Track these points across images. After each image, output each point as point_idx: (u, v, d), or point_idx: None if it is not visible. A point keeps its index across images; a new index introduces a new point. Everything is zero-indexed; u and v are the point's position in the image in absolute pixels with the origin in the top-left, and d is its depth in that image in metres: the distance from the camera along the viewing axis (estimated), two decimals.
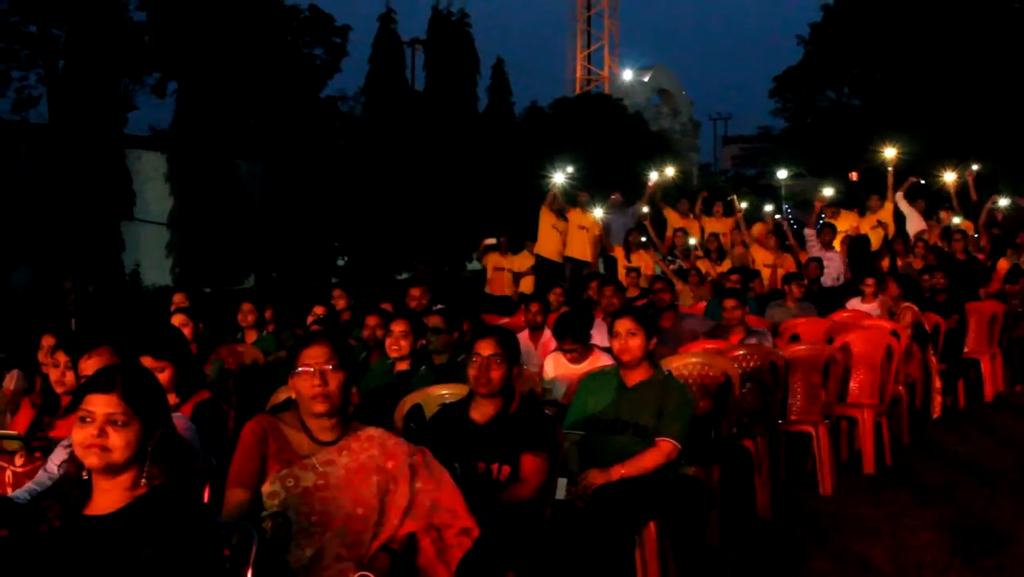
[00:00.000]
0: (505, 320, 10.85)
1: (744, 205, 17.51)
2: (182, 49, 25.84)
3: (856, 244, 15.23)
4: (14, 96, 27.06)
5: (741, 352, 7.40)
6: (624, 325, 5.48)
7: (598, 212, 16.46)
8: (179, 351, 5.23)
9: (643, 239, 15.51)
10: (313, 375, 3.73)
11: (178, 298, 10.18)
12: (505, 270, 16.26)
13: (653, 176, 17.71)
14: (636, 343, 5.44)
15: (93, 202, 22.94)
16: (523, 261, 16.36)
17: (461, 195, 29.41)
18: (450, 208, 29.02)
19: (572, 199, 16.55)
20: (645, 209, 17.00)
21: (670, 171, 18.04)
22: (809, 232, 15.47)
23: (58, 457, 4.17)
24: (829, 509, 7.23)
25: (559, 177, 16.14)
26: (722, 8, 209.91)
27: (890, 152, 17.56)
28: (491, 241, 16.40)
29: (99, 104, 23.61)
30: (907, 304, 10.76)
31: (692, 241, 16.42)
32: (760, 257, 14.60)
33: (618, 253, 15.64)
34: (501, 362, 4.73)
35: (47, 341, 6.46)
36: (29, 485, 4.21)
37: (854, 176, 22.50)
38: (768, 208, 22.64)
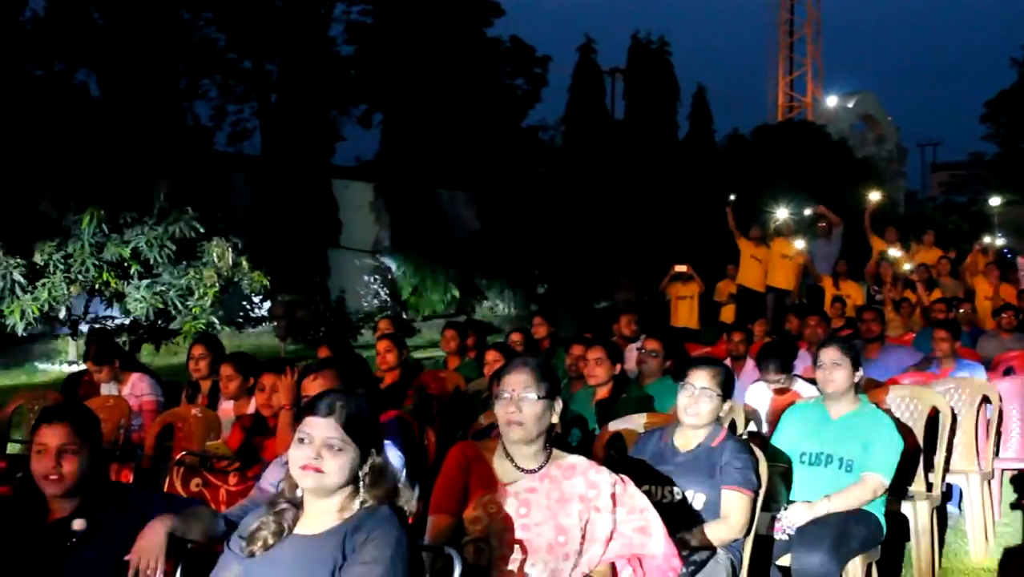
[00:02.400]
0: (706, 349, 10.74)
1: None
2: (388, 81, 26.54)
3: None
4: (230, 129, 28.35)
5: (952, 385, 7.14)
6: (829, 355, 5.37)
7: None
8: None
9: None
10: (509, 402, 3.74)
11: (383, 324, 10.44)
12: (687, 298, 16.03)
13: (875, 196, 17.21)
14: (841, 374, 5.32)
15: (302, 230, 23.72)
16: (694, 288, 16.05)
17: (661, 223, 29.32)
18: (650, 236, 28.95)
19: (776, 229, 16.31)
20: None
21: (875, 195, 17.52)
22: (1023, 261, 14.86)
23: (271, 475, 4.31)
24: None
25: (782, 212, 15.84)
26: (929, 32, 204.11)
27: None
28: (681, 268, 16.07)
29: (309, 136, 24.43)
30: None
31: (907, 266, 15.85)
32: (981, 289, 14.08)
33: (826, 283, 15.32)
34: (713, 396, 4.68)
35: (225, 370, 6.84)
36: (243, 503, 4.34)
37: None
38: (987, 239, 21.70)
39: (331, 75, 25.71)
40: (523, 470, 3.76)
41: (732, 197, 16.29)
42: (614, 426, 5.77)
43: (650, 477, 4.56)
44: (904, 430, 5.97)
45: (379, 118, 28.45)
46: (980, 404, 7.00)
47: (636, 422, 5.72)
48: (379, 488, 3.16)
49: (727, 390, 4.75)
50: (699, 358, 5.22)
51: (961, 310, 11.84)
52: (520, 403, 3.72)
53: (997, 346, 10.27)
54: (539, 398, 3.74)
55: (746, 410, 7.06)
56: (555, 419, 3.79)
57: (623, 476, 3.80)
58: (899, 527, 5.62)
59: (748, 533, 4.55)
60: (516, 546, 3.63)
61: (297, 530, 3.16)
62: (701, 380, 4.69)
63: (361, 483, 3.15)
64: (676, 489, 4.61)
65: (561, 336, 10.49)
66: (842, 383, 5.33)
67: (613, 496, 3.70)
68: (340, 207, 25.52)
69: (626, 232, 28.95)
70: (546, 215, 28.44)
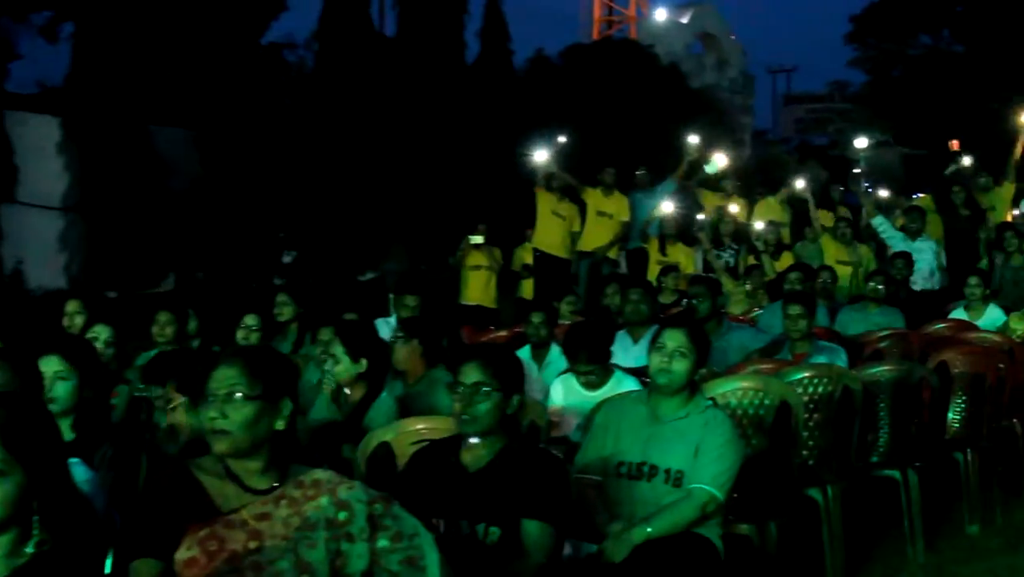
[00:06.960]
0: (503, 333, 10.79)
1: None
2: None
3: (957, 235, 15.00)
4: None
5: (807, 374, 7.29)
6: (675, 340, 5.40)
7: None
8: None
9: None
10: (212, 405, 3.66)
11: (71, 307, 10.08)
12: (482, 269, 16.08)
13: (693, 140, 17.15)
14: (683, 366, 5.37)
15: None
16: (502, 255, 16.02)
17: (445, 170, 29.37)
18: (430, 187, 28.98)
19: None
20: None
21: (694, 138, 17.56)
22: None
23: None
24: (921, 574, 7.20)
25: (541, 155, 15.70)
26: None
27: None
28: (478, 239, 15.83)
29: None
30: None
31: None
32: (832, 252, 14.32)
33: (650, 247, 15.43)
34: (491, 392, 4.70)
35: None
36: None
37: (955, 145, 22.31)
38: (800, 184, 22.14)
39: None
40: (252, 492, 3.69)
41: (562, 139, 16.21)
42: (380, 434, 5.75)
43: (433, 504, 4.57)
44: (747, 432, 6.13)
45: (69, 29, 27.74)
46: (841, 398, 7.20)
47: (410, 429, 5.71)
48: (60, 523, 3.04)
49: (508, 382, 4.79)
50: (463, 347, 5.23)
51: (819, 280, 11.93)
52: (224, 406, 3.65)
53: (862, 323, 10.56)
54: (249, 398, 3.66)
55: (550, 408, 7.13)
56: (281, 424, 3.70)
57: (385, 494, 3.77)
58: (742, 552, 5.74)
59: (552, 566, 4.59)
60: None
61: None
62: (469, 376, 4.73)
63: (35, 518, 3.01)
64: (461, 519, 4.63)
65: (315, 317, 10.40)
66: (680, 378, 5.38)
67: (371, 519, 3.66)
68: (16, 149, 24.79)
69: (399, 182, 28.92)
70: (294, 160, 28.16)
